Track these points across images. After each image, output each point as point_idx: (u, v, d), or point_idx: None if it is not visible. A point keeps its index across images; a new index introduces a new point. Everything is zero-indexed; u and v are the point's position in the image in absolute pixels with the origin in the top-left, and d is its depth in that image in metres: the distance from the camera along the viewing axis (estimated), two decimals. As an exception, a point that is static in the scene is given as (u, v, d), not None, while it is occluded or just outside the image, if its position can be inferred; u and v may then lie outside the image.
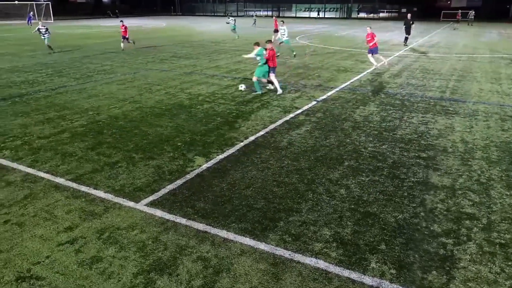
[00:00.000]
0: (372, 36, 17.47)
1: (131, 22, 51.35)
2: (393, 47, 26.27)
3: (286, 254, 4.81)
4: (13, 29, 41.85)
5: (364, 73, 16.78)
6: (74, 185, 6.53)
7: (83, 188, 6.41)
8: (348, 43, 28.66)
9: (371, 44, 17.59)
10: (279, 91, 12.85)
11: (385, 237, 5.17)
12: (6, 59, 20.70)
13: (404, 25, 27.86)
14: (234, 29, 32.53)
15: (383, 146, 8.33)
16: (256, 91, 12.87)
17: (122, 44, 24.07)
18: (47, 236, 5.14)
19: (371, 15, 69.67)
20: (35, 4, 55.72)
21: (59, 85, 14.19)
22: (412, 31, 27.81)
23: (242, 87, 13.28)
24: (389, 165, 7.38)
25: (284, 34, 21.56)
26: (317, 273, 4.48)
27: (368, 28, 17.97)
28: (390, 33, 37.24)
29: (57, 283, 4.31)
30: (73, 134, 8.99)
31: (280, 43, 21.58)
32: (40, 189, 6.39)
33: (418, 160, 7.62)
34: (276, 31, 23.71)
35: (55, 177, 6.82)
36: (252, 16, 50.93)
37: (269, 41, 12.69)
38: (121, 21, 25.36)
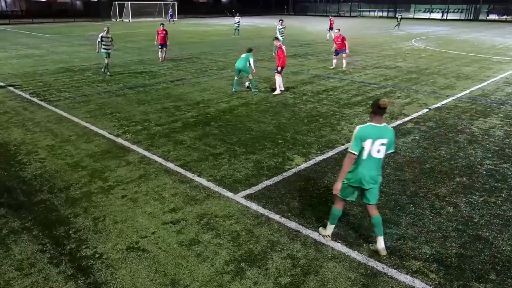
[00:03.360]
0: (343, 40, 17.00)
1: (245, 21, 53.54)
2: (528, 53, 23.06)
3: (379, 266, 4.58)
4: (143, 25, 46.78)
5: (489, 81, 15.06)
6: (181, 170, 7.08)
7: (189, 175, 6.91)
8: (472, 47, 25.98)
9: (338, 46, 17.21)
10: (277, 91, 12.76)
11: (497, 266, 4.60)
12: (135, 52, 23.25)
13: None
14: (237, 29, 32.32)
15: (504, 165, 7.40)
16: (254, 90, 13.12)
17: (159, 54, 19.47)
18: (154, 214, 5.67)
19: (504, 17, 61.99)
20: (163, 3, 61.51)
21: (176, 78, 15.48)
22: None
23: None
24: (509, 187, 6.53)
25: (282, 34, 21.49)
26: (411, 293, 4.18)
27: (336, 31, 17.74)
28: (525, 38, 32.77)
29: (159, 258, 4.73)
30: (184, 124, 9.74)
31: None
32: (152, 171, 7.07)
33: (547, 185, 6.61)
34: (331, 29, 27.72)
35: (166, 161, 7.47)
36: (397, 17, 44.84)
37: (276, 39, 13.18)
38: (162, 24, 19.41)
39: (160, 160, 7.55)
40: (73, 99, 12.17)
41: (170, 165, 7.33)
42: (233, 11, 37.67)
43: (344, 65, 17.29)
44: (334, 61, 17.86)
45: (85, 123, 9.73)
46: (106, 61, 15.65)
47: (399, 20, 43.14)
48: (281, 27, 21.76)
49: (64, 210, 5.79)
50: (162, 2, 61.70)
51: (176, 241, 5.06)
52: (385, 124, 4.51)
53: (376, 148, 4.45)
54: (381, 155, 4.48)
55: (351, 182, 4.64)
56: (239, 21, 32.66)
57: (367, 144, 4.43)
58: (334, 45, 17.53)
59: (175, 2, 61.25)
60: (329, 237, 5.08)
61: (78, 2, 64.66)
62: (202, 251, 4.86)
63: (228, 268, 4.56)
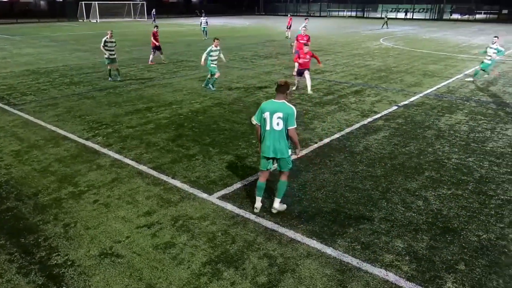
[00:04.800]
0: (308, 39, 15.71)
1: (216, 21, 53.35)
2: (489, 51, 24.05)
3: (354, 262, 4.66)
4: (112, 26, 45.83)
5: (453, 78, 15.62)
6: (154, 173, 6.98)
7: (163, 177, 6.82)
8: (437, 46, 26.86)
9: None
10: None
11: (465, 256, 4.78)
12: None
13: None
14: (204, 30, 30.54)
15: (470, 159, 7.69)
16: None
17: (151, 56, 18.91)
18: (128, 218, 5.57)
19: (466, 16, 64.39)
20: (132, 3, 60.41)
21: (148, 79, 15.24)
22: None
23: None
24: (475, 180, 6.80)
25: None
26: (386, 286, 4.29)
27: (303, 29, 16.47)
28: (485, 37, 34.17)
29: (134, 262, 4.65)
30: (157, 126, 9.60)
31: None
32: (125, 175, 6.93)
33: (510, 177, 6.92)
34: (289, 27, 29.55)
35: (139, 164, 7.35)
36: (384, 18, 45.83)
37: (307, 45, 12.76)
38: (156, 26, 19.08)
39: (132, 163, 7.42)
40: (39, 102, 11.77)
41: (143, 167, 7.21)
42: (202, 11, 37.28)
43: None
44: (297, 80, 13.30)
45: (53, 127, 9.43)
46: (108, 67, 14.65)
47: (386, 19, 44.42)
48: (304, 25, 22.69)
49: (32, 217, 5.59)
50: (131, 2, 60.61)
51: (151, 244, 4.98)
52: (285, 101, 5.25)
53: (275, 121, 5.21)
54: (280, 127, 5.21)
55: (264, 154, 5.42)
56: (206, 22, 30.83)
57: (267, 116, 5.24)
58: (296, 44, 16.24)
59: (145, 2, 60.29)
60: (257, 209, 5.71)
61: (42, 2, 62.52)
62: (178, 253, 4.81)
63: (204, 269, 4.53)
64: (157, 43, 18.51)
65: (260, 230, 5.29)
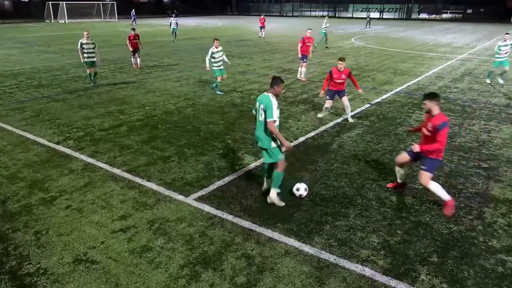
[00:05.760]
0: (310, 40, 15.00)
1: (189, 21, 52.92)
2: (455, 50, 24.91)
3: (331, 258, 4.73)
4: (82, 27, 44.70)
5: (423, 76, 16.07)
6: (129, 176, 6.86)
7: (137, 180, 6.71)
8: (406, 45, 27.56)
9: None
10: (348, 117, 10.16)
11: (438, 249, 4.93)
12: (74, 55, 22.13)
13: None
14: (174, 31, 29.24)
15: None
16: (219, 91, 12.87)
17: (132, 60, 17.80)
18: (102, 223, 5.44)
19: (433, 16, 66.37)
20: (102, 3, 59.09)
21: (120, 81, 14.95)
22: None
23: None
24: (445, 174, 7.02)
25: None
26: (362, 281, 4.37)
27: (309, 31, 15.37)
28: (452, 35, 35.35)
29: (110, 268, 4.55)
30: (130, 128, 9.43)
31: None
32: (98, 179, 6.78)
33: (478, 170, 7.18)
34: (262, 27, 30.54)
35: (113, 167, 7.20)
36: (366, 18, 45.86)
37: (343, 59, 9.80)
38: (133, 29, 18.04)
39: (106, 166, 7.26)
40: (5, 106, 11.35)
41: (117, 171, 7.07)
42: (175, 11, 36.74)
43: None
44: (303, 69, 15.02)
45: (21, 132, 9.11)
46: (89, 70, 13.60)
47: (368, 19, 44.97)
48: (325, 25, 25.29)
49: (1, 225, 5.38)
50: (101, 2, 59.30)
51: (127, 249, 4.89)
52: (269, 94, 5.50)
53: (260, 112, 5.49)
54: (262, 118, 5.46)
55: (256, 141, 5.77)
56: (176, 23, 29.29)
57: (257, 107, 5.55)
58: (299, 46, 14.87)
59: (115, 2, 59.10)
60: (264, 189, 6.23)
61: (6, 2, 60.26)
62: (155, 257, 4.74)
63: (182, 272, 4.49)
64: (130, 48, 17.31)
65: (238, 230, 5.29)
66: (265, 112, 5.38)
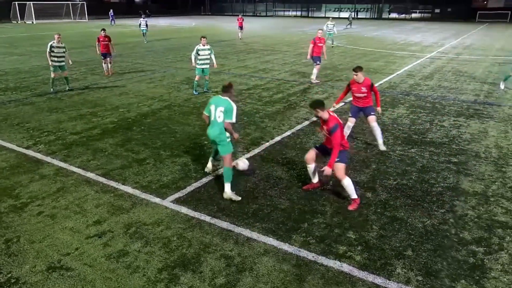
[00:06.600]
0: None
1: (161, 22, 52.28)
2: (425, 48, 25.62)
3: (310, 256, 4.77)
4: (51, 27, 43.42)
5: (394, 74, 16.44)
6: (103, 180, 6.72)
7: (112, 184, 6.58)
8: (378, 44, 28.14)
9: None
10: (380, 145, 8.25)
11: (412, 242, 5.05)
12: (43, 56, 21.48)
13: None
14: (144, 32, 28.79)
15: (412, 150, 8.14)
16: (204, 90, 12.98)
17: (103, 65, 16.14)
18: (77, 229, 5.31)
19: (403, 15, 68.04)
20: (71, 4, 57.62)
21: (92, 83, 14.62)
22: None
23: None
24: (418, 169, 7.21)
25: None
26: (340, 276, 4.43)
27: (320, 31, 14.93)
28: (421, 34, 36.34)
29: (85, 274, 4.44)
30: (103, 131, 9.24)
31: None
32: (71, 183, 6.61)
33: (448, 165, 7.41)
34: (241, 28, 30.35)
35: (86, 171, 7.03)
36: (348, 18, 46.12)
37: (359, 68, 7.87)
38: (103, 29, 16.15)
39: (79, 170, 7.08)
40: (-29, 110, 10.91)
41: (91, 175, 6.91)
42: (147, 11, 36.16)
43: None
44: (316, 70, 14.56)
45: (-12, 137, 8.78)
46: (53, 75, 12.72)
47: (350, 19, 45.45)
48: (330, 25, 25.58)
49: (-32, 235, 5.17)
50: (70, 2, 57.80)
51: (103, 254, 4.79)
52: (228, 99, 6.11)
53: (218, 114, 6.04)
54: (221, 119, 6.03)
55: (208, 137, 6.32)
56: (146, 24, 28.65)
57: (212, 108, 6.10)
58: (310, 47, 14.37)
59: (84, 2, 57.73)
60: (208, 169, 6.99)
61: (-31, 3, 57.94)
62: (132, 261, 4.66)
63: (161, 276, 4.43)
64: (98, 51, 15.92)
65: (216, 231, 5.27)
66: (225, 113, 5.98)
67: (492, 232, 5.28)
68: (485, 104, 11.79)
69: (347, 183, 5.82)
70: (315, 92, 13.12)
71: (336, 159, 5.73)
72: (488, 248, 4.95)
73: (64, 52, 12.88)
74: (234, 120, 6.02)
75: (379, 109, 8.13)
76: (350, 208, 5.84)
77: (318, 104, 5.85)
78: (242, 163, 6.51)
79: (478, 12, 59.02)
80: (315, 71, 14.62)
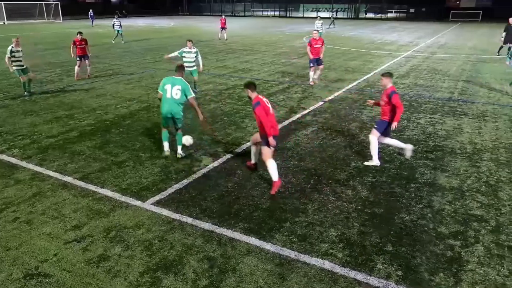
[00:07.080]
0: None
1: (138, 22, 51.59)
2: (401, 47, 26.12)
3: (292, 254, 4.80)
4: (25, 28, 42.25)
5: (372, 73, 16.71)
6: (81, 183, 6.58)
7: (91, 187, 6.46)
8: (355, 43, 28.53)
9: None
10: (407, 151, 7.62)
11: (392, 238, 5.15)
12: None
13: (505, 31, 20.15)
14: (119, 33, 28.31)
15: (390, 147, 8.28)
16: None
17: (76, 68, 15.19)
18: (55, 234, 5.19)
19: (379, 15, 69.18)
20: (44, 4, 56.20)
21: (67, 84, 14.30)
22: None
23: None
24: (396, 166, 7.34)
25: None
26: (323, 274, 4.47)
27: (315, 32, 14.66)
28: (397, 34, 37.03)
29: (64, 280, 4.35)
30: (81, 133, 9.05)
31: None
32: (48, 188, 6.45)
33: (425, 161, 7.57)
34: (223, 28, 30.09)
35: (63, 175, 6.88)
36: (331, 17, 46.06)
37: (388, 74, 7.29)
38: (79, 33, 15.09)
39: (56, 174, 6.92)
40: None
41: (69, 178, 6.76)
42: (124, 12, 35.67)
43: (316, 76, 10.27)
44: (312, 73, 14.28)
45: (-41, 142, 8.48)
46: (22, 79, 12.41)
47: (333, 19, 45.67)
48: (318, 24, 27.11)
49: None
50: (44, 2, 56.36)
51: (82, 259, 4.69)
52: (182, 78, 7.32)
53: (175, 92, 7.15)
54: (178, 96, 7.16)
55: (163, 115, 7.34)
56: (119, 24, 28.09)
57: (168, 88, 7.17)
58: (309, 49, 13.95)
59: (58, 2, 56.40)
60: (167, 152, 7.67)
61: None
62: (112, 266, 4.59)
63: (143, 279, 4.38)
64: (73, 55, 15.01)
65: (198, 232, 5.24)
66: (183, 91, 7.16)
67: (468, 226, 5.43)
68: (459, 101, 12.11)
69: (271, 165, 6.21)
70: (295, 92, 13.20)
71: (262, 143, 6.33)
72: (464, 241, 5.09)
73: (22, 55, 12.40)
74: (193, 94, 7.37)
75: (396, 124, 7.27)
76: (271, 192, 6.21)
77: (249, 85, 6.44)
78: (190, 139, 7.58)
79: (451, 11, 60.54)
80: (314, 72, 14.30)
